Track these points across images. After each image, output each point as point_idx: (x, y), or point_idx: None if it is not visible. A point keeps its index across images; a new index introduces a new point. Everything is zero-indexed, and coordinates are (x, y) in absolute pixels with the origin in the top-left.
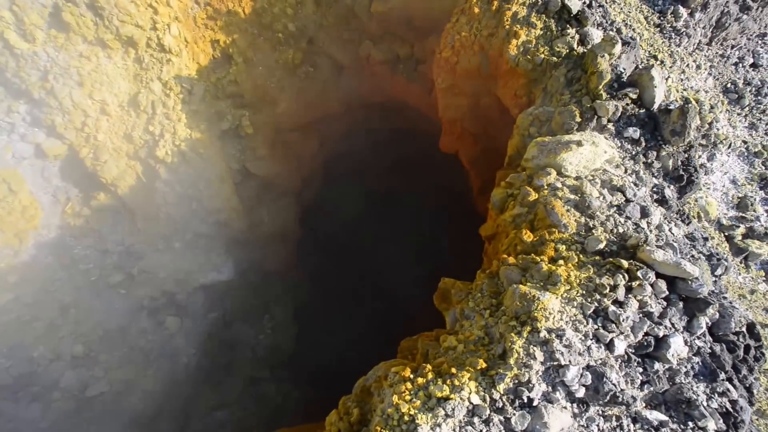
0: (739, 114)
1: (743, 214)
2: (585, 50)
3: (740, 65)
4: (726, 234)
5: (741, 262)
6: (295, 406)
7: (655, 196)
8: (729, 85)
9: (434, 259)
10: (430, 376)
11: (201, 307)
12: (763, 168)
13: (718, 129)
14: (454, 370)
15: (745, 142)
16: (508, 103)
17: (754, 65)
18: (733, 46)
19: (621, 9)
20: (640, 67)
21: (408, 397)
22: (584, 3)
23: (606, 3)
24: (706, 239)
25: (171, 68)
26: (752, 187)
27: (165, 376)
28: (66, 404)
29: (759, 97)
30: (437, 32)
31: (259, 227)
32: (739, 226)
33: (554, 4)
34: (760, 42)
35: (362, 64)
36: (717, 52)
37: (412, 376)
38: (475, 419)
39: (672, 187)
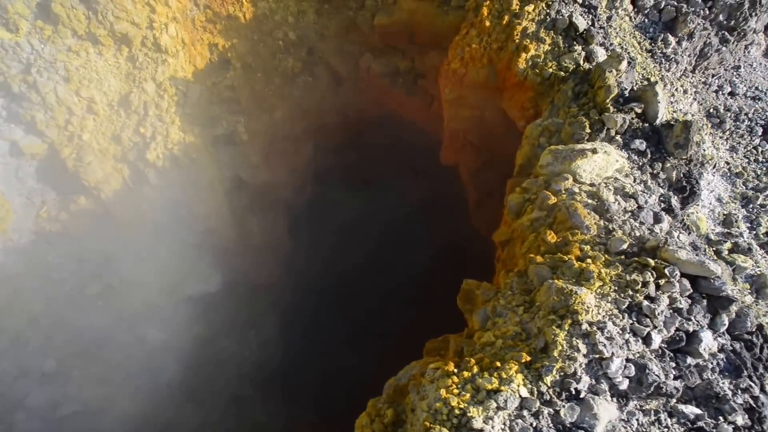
0: (721, 137)
1: (729, 230)
2: (590, 66)
3: (720, 92)
4: (714, 249)
5: (729, 275)
6: (282, 425)
7: (663, 205)
8: (711, 110)
9: (427, 273)
10: (475, 369)
11: (186, 320)
12: (744, 188)
13: (704, 150)
14: (498, 364)
15: (727, 163)
16: (514, 115)
17: (731, 93)
18: (713, 75)
19: (617, 33)
20: (644, 84)
21: (456, 391)
22: (589, 23)
23: (605, 26)
24: (705, 250)
25: (166, 69)
26: (735, 205)
27: (145, 394)
28: (31, 425)
29: (737, 123)
30: (439, 47)
31: (249, 238)
32: (726, 241)
33: (562, 21)
34: (735, 73)
35: (362, 76)
36: (700, 80)
37: (456, 370)
38: (525, 412)
39: (676, 197)
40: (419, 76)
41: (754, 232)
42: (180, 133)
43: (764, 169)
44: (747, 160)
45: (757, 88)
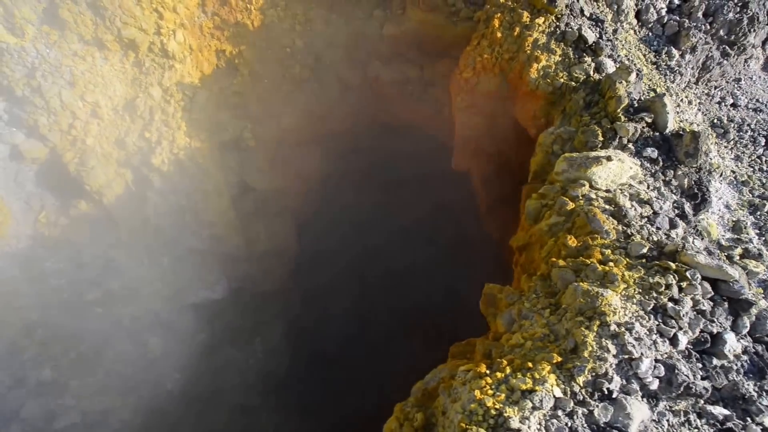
0: (725, 147)
1: (738, 236)
2: (600, 77)
3: (723, 104)
4: (726, 254)
5: (746, 279)
6: None
7: (676, 211)
8: (716, 121)
9: (435, 278)
10: (508, 370)
11: (189, 327)
12: (751, 195)
13: (711, 158)
14: (530, 364)
15: (733, 172)
16: (525, 123)
17: (734, 105)
18: (716, 87)
19: (623, 45)
20: (651, 95)
21: (490, 392)
22: (597, 36)
23: (612, 38)
24: (718, 255)
25: (173, 74)
26: (743, 212)
27: (146, 404)
28: None
29: (741, 133)
30: (448, 56)
31: (255, 244)
32: (736, 247)
33: (571, 34)
34: (736, 85)
35: (370, 84)
36: (703, 91)
37: (488, 371)
38: (559, 412)
39: (688, 204)
40: (429, 84)
41: (763, 239)
42: (186, 138)
43: None
44: (752, 169)
45: (757, 100)
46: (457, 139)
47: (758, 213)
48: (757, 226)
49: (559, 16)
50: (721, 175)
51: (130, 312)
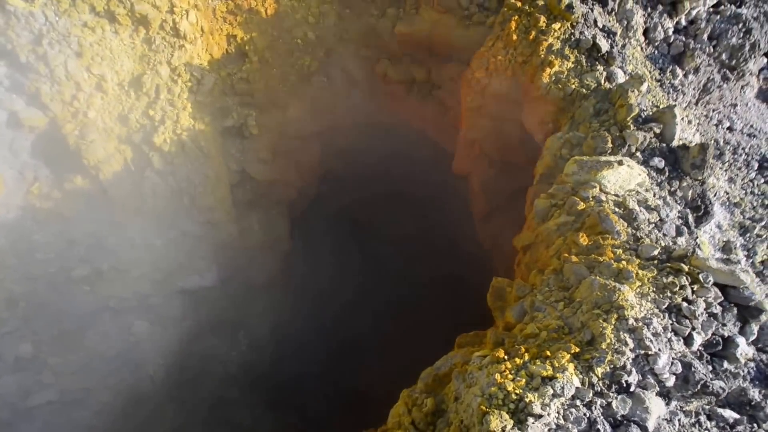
0: (720, 168)
1: (728, 257)
2: (611, 86)
3: (720, 126)
4: None
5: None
6: (267, 430)
7: (680, 221)
8: (712, 142)
9: (423, 277)
10: (526, 357)
11: (175, 313)
12: (742, 217)
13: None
14: (548, 353)
15: (727, 193)
16: (532, 128)
17: (730, 128)
18: (713, 110)
19: (630, 60)
20: (659, 107)
21: (510, 377)
22: (610, 46)
23: (622, 52)
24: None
25: (183, 54)
26: (734, 232)
27: (126, 388)
28: None
29: (736, 156)
30: (457, 60)
31: (249, 235)
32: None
33: (586, 42)
34: (732, 110)
35: (377, 81)
36: (702, 113)
37: (506, 357)
38: (577, 401)
39: (692, 215)
40: (435, 86)
41: (751, 261)
42: (190, 120)
43: (759, 201)
44: (744, 192)
45: (752, 126)
46: (461, 140)
47: (748, 235)
48: (745, 248)
49: (575, 23)
50: (715, 195)
51: (118, 293)
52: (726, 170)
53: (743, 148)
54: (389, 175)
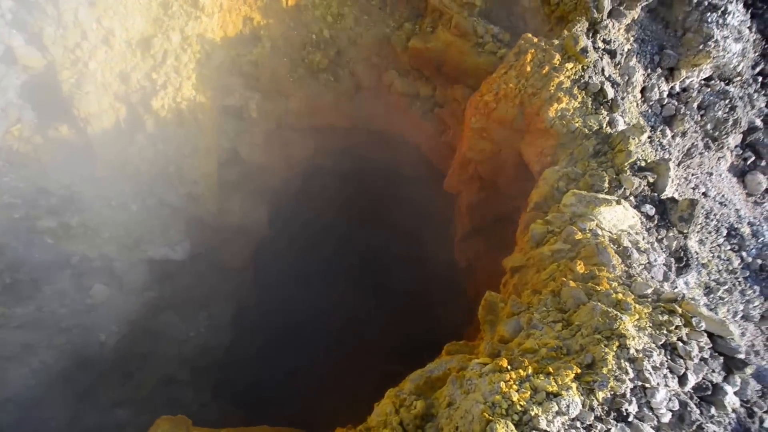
0: (692, 230)
1: None
2: (611, 131)
3: (696, 190)
4: None
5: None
6: (213, 419)
7: (665, 268)
8: (701, 200)
9: (396, 277)
10: (530, 370)
11: (138, 282)
12: (708, 278)
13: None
14: (551, 369)
15: (697, 253)
16: (530, 158)
17: (705, 194)
18: (693, 174)
19: (627, 113)
20: (649, 160)
21: (515, 387)
22: (615, 94)
23: (622, 104)
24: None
25: (198, 25)
26: (699, 291)
27: (72, 350)
28: None
29: (708, 220)
30: (463, 83)
31: (227, 214)
32: None
33: (594, 86)
34: (708, 178)
35: (382, 90)
36: (682, 175)
37: (509, 367)
38: (578, 423)
39: (674, 265)
40: (437, 104)
41: None
42: (192, 91)
43: (725, 266)
44: (712, 255)
45: (723, 196)
46: (458, 159)
47: (711, 296)
48: (708, 308)
49: (586, 67)
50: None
51: (82, 251)
52: (698, 232)
53: (715, 215)
54: (375, 184)
